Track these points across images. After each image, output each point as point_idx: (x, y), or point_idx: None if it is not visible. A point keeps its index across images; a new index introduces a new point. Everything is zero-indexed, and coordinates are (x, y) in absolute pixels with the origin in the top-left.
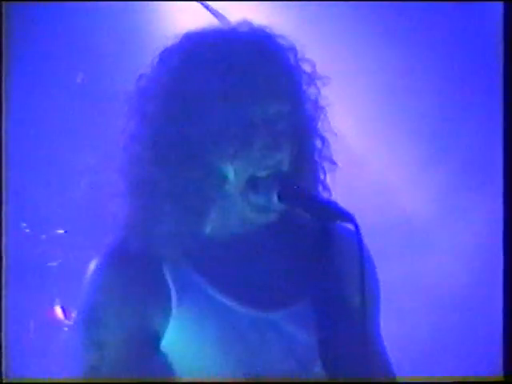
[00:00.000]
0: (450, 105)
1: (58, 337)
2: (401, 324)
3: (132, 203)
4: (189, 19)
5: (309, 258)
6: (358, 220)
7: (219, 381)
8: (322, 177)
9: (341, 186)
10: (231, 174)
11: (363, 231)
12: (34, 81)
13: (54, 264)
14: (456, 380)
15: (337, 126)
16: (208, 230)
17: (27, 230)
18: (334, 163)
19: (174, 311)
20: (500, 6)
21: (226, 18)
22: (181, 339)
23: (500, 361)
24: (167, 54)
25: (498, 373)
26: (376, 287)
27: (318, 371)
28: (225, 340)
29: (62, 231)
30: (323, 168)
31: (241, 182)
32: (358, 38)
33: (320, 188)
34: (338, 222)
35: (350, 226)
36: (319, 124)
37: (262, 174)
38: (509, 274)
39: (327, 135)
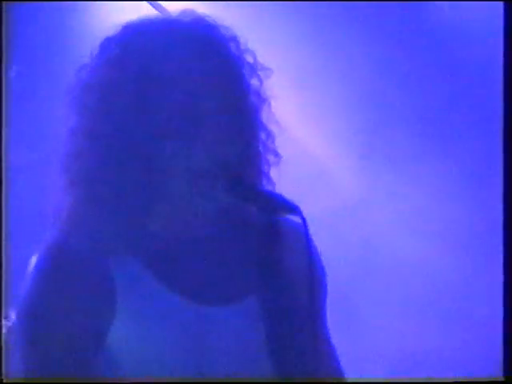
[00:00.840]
0: (449, 105)
1: None
2: (400, 324)
3: (73, 198)
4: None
5: (256, 253)
6: (305, 213)
7: (217, 381)
8: (266, 169)
9: (287, 178)
10: (174, 168)
11: (312, 224)
12: (34, 81)
13: None
14: (456, 380)
15: (287, 118)
16: (155, 225)
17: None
18: (278, 156)
19: (119, 307)
20: (500, 5)
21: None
22: (127, 336)
23: (500, 361)
24: (106, 45)
25: (497, 373)
26: (323, 280)
27: (266, 367)
28: (172, 337)
29: None
30: (268, 160)
31: (185, 175)
32: (353, 37)
33: (264, 181)
34: (284, 214)
35: (296, 219)
36: (263, 116)
37: (208, 166)
38: (509, 274)
39: (271, 127)
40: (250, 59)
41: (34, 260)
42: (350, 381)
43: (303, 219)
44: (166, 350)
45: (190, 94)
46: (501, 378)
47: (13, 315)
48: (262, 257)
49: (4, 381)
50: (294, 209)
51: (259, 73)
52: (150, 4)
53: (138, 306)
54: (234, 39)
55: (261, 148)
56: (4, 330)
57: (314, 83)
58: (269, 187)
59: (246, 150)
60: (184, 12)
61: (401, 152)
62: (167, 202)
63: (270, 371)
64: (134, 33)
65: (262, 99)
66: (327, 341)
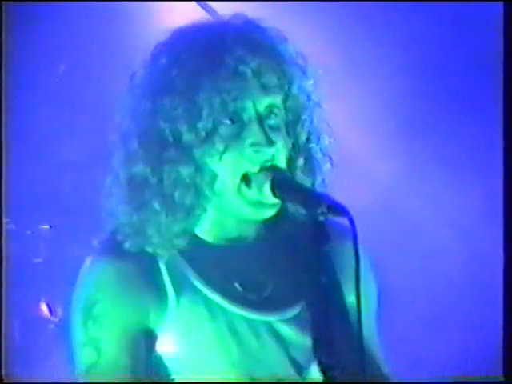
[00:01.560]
0: (449, 105)
1: (43, 334)
2: (401, 324)
3: (124, 201)
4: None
5: (304, 260)
6: (355, 217)
7: (219, 381)
8: (318, 173)
9: (339, 183)
10: (222, 171)
11: (360, 228)
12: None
13: (40, 260)
14: (456, 380)
15: (334, 122)
16: (204, 228)
17: (12, 226)
18: (329, 159)
19: (170, 310)
20: (500, 5)
21: (218, 14)
22: (177, 340)
23: (500, 361)
24: (157, 52)
25: (497, 373)
26: (372, 285)
27: (313, 374)
28: (221, 341)
29: (46, 227)
30: (319, 164)
31: (234, 178)
32: (356, 38)
33: (316, 184)
34: (332, 216)
35: (345, 222)
36: (314, 119)
37: (255, 169)
38: (509, 274)
39: (322, 131)
40: (300, 62)
41: (89, 261)
42: (350, 381)
43: (352, 221)
44: (215, 353)
45: (239, 97)
46: (501, 378)
47: (59, 312)
48: (310, 265)
49: (4, 381)
50: (342, 211)
51: (309, 75)
52: (202, 7)
53: (188, 310)
54: (284, 42)
55: (312, 151)
56: (51, 326)
57: (371, 91)
58: (320, 190)
59: (295, 152)
60: (234, 16)
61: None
62: (217, 208)
63: (317, 377)
64: (185, 39)
65: (312, 102)
66: (374, 348)
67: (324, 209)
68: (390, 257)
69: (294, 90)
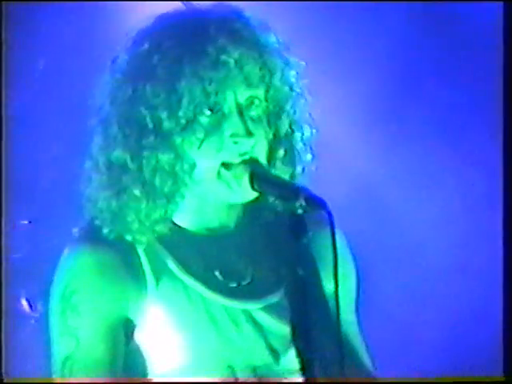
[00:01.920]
0: (449, 105)
1: (24, 329)
2: (401, 324)
3: (102, 186)
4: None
5: (283, 249)
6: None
7: (220, 380)
8: (298, 163)
9: (321, 174)
10: (201, 160)
11: (341, 221)
12: (34, 81)
13: (18, 255)
14: (456, 380)
15: (319, 113)
16: (183, 216)
17: None
18: (310, 149)
19: (149, 298)
20: (500, 5)
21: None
22: (155, 328)
23: (500, 361)
24: (139, 38)
25: (498, 373)
26: (351, 273)
27: (290, 361)
28: (199, 329)
29: (26, 222)
30: (299, 154)
31: (213, 167)
32: (354, 38)
33: (296, 173)
34: (310, 209)
35: (323, 213)
36: (296, 110)
37: (235, 160)
38: (509, 274)
39: (304, 122)
40: (284, 52)
41: (67, 251)
42: (350, 381)
43: (329, 214)
44: (194, 340)
45: (219, 88)
46: (501, 378)
47: (39, 306)
48: (290, 251)
49: (4, 381)
50: (320, 203)
51: (293, 66)
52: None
53: (167, 297)
54: (269, 31)
55: (293, 143)
56: (32, 321)
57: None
58: (301, 180)
59: (276, 144)
60: (215, 5)
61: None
62: (195, 195)
63: (294, 365)
64: (166, 24)
65: (295, 93)
66: (354, 337)
67: (302, 202)
68: (389, 256)
69: (276, 81)
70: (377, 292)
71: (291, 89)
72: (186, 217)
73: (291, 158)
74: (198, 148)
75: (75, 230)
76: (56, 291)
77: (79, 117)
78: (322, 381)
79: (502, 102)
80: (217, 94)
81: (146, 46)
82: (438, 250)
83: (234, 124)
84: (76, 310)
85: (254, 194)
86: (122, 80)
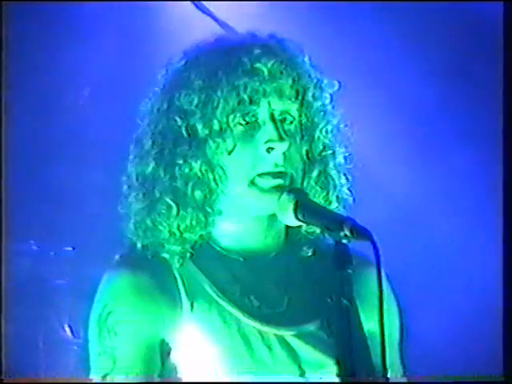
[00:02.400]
0: (449, 105)
1: (67, 355)
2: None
3: (136, 202)
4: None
5: (322, 279)
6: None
7: (220, 381)
8: (332, 188)
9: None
10: (234, 169)
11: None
12: (34, 82)
13: (62, 282)
14: (456, 380)
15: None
16: (220, 240)
17: (35, 247)
18: (345, 176)
19: (184, 319)
20: (500, 5)
21: (232, 28)
22: (190, 348)
23: (500, 361)
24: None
25: (498, 373)
26: (394, 313)
27: None
28: (234, 351)
29: (69, 248)
30: (333, 180)
31: (246, 177)
32: (356, 41)
33: (330, 198)
34: (355, 239)
35: (368, 244)
36: (329, 132)
37: (269, 170)
38: (509, 274)
39: (338, 147)
40: (317, 74)
41: (106, 274)
42: (351, 381)
43: (375, 245)
44: (228, 364)
45: (254, 99)
46: (501, 378)
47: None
48: (329, 281)
49: (4, 381)
50: (366, 234)
51: (326, 88)
52: (194, 4)
53: (202, 319)
54: (302, 53)
55: (328, 166)
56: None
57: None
58: (334, 205)
59: (310, 162)
60: (248, 33)
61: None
62: (229, 207)
63: None
64: (205, 46)
65: (327, 112)
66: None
67: (347, 232)
68: (388, 256)
69: (309, 99)
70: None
71: (324, 110)
72: (223, 239)
73: (324, 180)
74: (232, 157)
75: (117, 257)
76: (94, 312)
77: (120, 141)
78: None
79: (503, 103)
80: (251, 101)
81: (183, 61)
82: (437, 250)
83: (268, 132)
84: (113, 330)
85: (297, 223)
86: (158, 94)
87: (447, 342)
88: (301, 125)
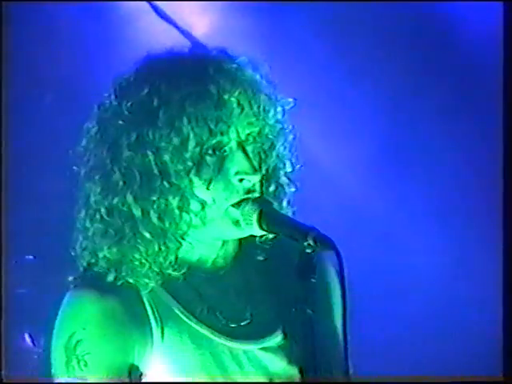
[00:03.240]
0: (449, 105)
1: (26, 364)
2: (400, 324)
3: (101, 236)
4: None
5: (282, 284)
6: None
7: (219, 380)
8: (283, 196)
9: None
10: (209, 200)
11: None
12: (35, 82)
13: (23, 291)
14: (456, 380)
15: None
16: (184, 258)
17: None
18: (294, 184)
19: (155, 344)
20: (500, 5)
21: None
22: (162, 372)
23: (500, 361)
24: (137, 81)
25: (497, 373)
26: (338, 299)
27: None
28: (206, 372)
29: (31, 257)
30: (283, 189)
31: (221, 207)
32: (352, 39)
33: (283, 206)
34: (319, 249)
35: (331, 253)
36: (285, 147)
37: (240, 198)
38: (509, 274)
39: (290, 159)
40: (273, 90)
41: (73, 298)
42: (351, 381)
43: (338, 254)
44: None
45: (221, 127)
46: (500, 378)
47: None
48: (289, 289)
49: (4, 381)
50: (329, 243)
51: (283, 104)
52: (150, 5)
53: (173, 342)
54: (258, 70)
55: (280, 176)
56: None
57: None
58: (287, 211)
59: (268, 179)
60: (204, 46)
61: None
62: (199, 234)
63: None
64: (162, 67)
65: (282, 128)
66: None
67: (311, 242)
68: (389, 255)
69: (270, 119)
70: (377, 293)
71: (282, 126)
72: (189, 259)
73: (279, 192)
74: (206, 189)
75: (71, 278)
76: (60, 338)
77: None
78: None
79: (503, 103)
80: (222, 133)
81: (146, 90)
82: (437, 250)
83: (238, 162)
84: (83, 360)
85: (261, 232)
86: (123, 126)
87: (447, 342)
88: (262, 144)
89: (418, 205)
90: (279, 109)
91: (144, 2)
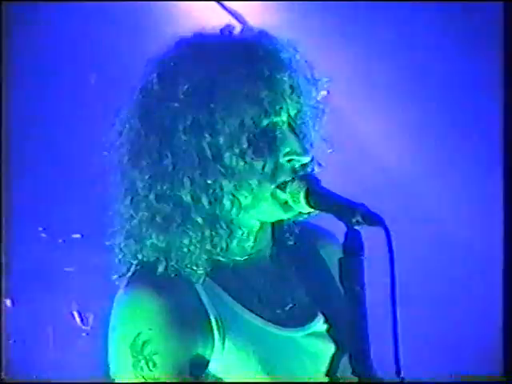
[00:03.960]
0: (449, 105)
1: (76, 342)
2: (400, 324)
3: (149, 223)
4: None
5: (313, 272)
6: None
7: (222, 381)
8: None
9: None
10: (259, 183)
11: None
12: (35, 81)
13: (71, 269)
14: (456, 380)
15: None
16: (230, 245)
17: (43, 235)
18: (320, 165)
19: (216, 338)
20: (500, 5)
21: (243, 18)
22: (224, 367)
23: (500, 361)
24: (175, 66)
25: (498, 373)
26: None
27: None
28: (267, 362)
29: (78, 235)
30: (313, 169)
31: (269, 188)
32: (355, 41)
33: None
34: (367, 225)
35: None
36: (316, 126)
37: (288, 178)
38: (509, 274)
39: (318, 137)
40: (308, 72)
41: (132, 294)
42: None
43: (387, 230)
44: (264, 375)
45: (278, 104)
46: (501, 378)
47: (90, 320)
48: (329, 279)
49: (4, 380)
50: (378, 219)
51: (318, 84)
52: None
53: (235, 338)
54: (298, 53)
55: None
56: (84, 334)
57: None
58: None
59: (312, 159)
60: (241, 27)
61: None
62: (248, 213)
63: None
64: (194, 53)
65: (319, 110)
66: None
67: (359, 218)
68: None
69: (312, 99)
70: (377, 293)
71: (319, 106)
72: (238, 248)
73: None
74: (262, 170)
75: (115, 277)
76: (124, 341)
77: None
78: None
79: (503, 103)
80: (275, 113)
81: (200, 73)
82: (437, 249)
83: (289, 142)
84: (151, 360)
85: (309, 209)
86: (177, 110)
87: (447, 342)
88: (307, 125)
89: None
90: (316, 90)
91: None
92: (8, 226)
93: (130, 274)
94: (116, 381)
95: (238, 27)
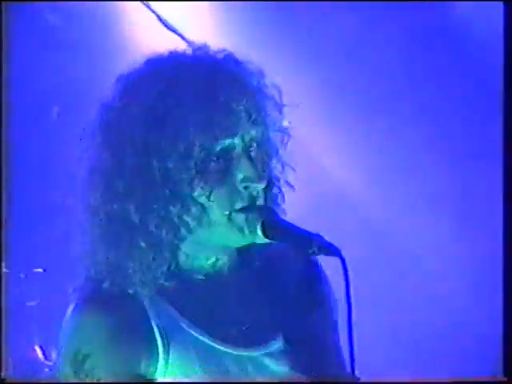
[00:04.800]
0: (449, 106)
1: (38, 377)
2: (401, 325)
3: (101, 240)
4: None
5: (282, 293)
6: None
7: (220, 381)
8: (280, 202)
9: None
10: (212, 207)
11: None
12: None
13: (33, 303)
14: (456, 381)
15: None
16: (183, 264)
17: (5, 270)
18: (291, 187)
19: (161, 355)
20: (500, 5)
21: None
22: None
23: (501, 361)
24: (134, 84)
25: (498, 373)
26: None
27: None
28: (214, 379)
29: (40, 270)
30: (282, 193)
31: (223, 213)
32: (352, 41)
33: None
34: (323, 255)
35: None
36: (281, 149)
37: (245, 204)
38: (509, 275)
39: (286, 159)
40: (275, 94)
41: (76, 312)
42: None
43: (343, 261)
44: None
45: (227, 132)
46: (503, 379)
47: (53, 355)
48: (286, 297)
49: (4, 381)
50: (334, 250)
51: (283, 107)
52: (144, 5)
53: (178, 353)
54: (263, 76)
55: (279, 181)
56: (46, 369)
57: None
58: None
59: (270, 183)
60: (204, 47)
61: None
62: (201, 235)
63: None
64: (168, 71)
65: (283, 132)
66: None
67: (315, 249)
68: (389, 256)
69: (274, 124)
70: (377, 294)
71: (284, 130)
72: (188, 265)
73: (281, 197)
74: (209, 197)
75: (71, 290)
76: (66, 355)
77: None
78: None
79: (503, 103)
80: (228, 140)
81: (153, 94)
82: (437, 249)
83: (244, 169)
84: (91, 374)
85: (265, 240)
86: (129, 130)
87: (447, 342)
88: (266, 150)
89: (416, 205)
90: (282, 113)
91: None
92: None
93: (79, 290)
94: None
95: (212, 48)
